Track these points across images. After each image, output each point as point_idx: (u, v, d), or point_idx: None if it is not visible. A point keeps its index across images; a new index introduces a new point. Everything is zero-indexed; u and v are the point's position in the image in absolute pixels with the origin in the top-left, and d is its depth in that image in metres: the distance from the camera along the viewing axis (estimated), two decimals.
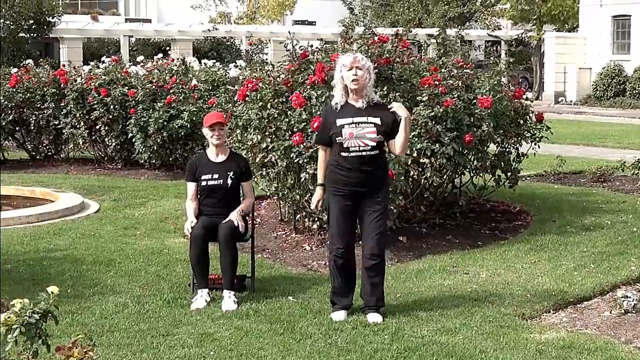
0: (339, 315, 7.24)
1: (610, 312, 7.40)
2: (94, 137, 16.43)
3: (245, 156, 9.74)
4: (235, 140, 10.37)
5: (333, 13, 50.64)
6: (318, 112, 9.12)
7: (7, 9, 31.52)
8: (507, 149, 11.11)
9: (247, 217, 8.23)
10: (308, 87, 9.75)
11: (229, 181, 8.01)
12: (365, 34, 10.85)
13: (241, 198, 8.16)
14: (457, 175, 10.89)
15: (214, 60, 19.42)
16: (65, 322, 6.90)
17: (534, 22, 41.00)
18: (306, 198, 9.57)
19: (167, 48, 35.76)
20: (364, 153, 7.11)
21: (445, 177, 10.53)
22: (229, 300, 7.61)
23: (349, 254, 7.34)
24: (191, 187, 8.11)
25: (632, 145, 20.83)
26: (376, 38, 10.44)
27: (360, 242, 7.42)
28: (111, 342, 6.63)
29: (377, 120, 7.14)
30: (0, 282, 7.78)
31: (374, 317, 7.20)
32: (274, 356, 6.36)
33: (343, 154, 7.14)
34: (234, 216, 7.85)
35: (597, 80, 36.08)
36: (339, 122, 7.15)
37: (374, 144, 7.13)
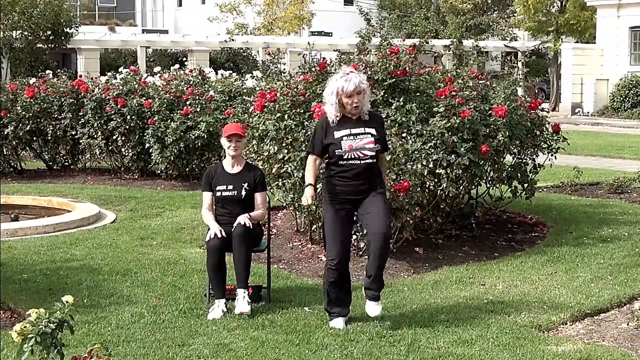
0: (338, 322, 7.26)
1: (628, 324, 7.35)
2: (110, 147, 16.47)
3: (261, 167, 9.76)
4: (252, 151, 10.38)
5: (350, 24, 50.70)
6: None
7: (25, 20, 31.69)
8: (524, 160, 11.08)
9: (262, 227, 8.24)
10: None
11: (243, 192, 8.03)
12: (382, 45, 10.85)
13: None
14: (473, 186, 10.87)
15: (231, 71, 19.47)
16: (81, 332, 6.93)
17: (552, 33, 40.93)
18: (322, 208, 9.54)
19: (184, 59, 35.89)
20: (362, 162, 7.18)
21: (461, 188, 10.51)
22: (242, 302, 7.61)
23: (344, 264, 7.31)
24: (207, 196, 8.13)
25: None
26: (387, 51, 10.44)
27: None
28: (127, 352, 6.64)
29: (373, 131, 7.25)
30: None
31: (373, 310, 7.23)
32: None
33: (341, 162, 7.19)
34: (242, 218, 7.84)
35: (615, 91, 35.97)
36: (337, 134, 7.20)
37: (373, 153, 7.21)
